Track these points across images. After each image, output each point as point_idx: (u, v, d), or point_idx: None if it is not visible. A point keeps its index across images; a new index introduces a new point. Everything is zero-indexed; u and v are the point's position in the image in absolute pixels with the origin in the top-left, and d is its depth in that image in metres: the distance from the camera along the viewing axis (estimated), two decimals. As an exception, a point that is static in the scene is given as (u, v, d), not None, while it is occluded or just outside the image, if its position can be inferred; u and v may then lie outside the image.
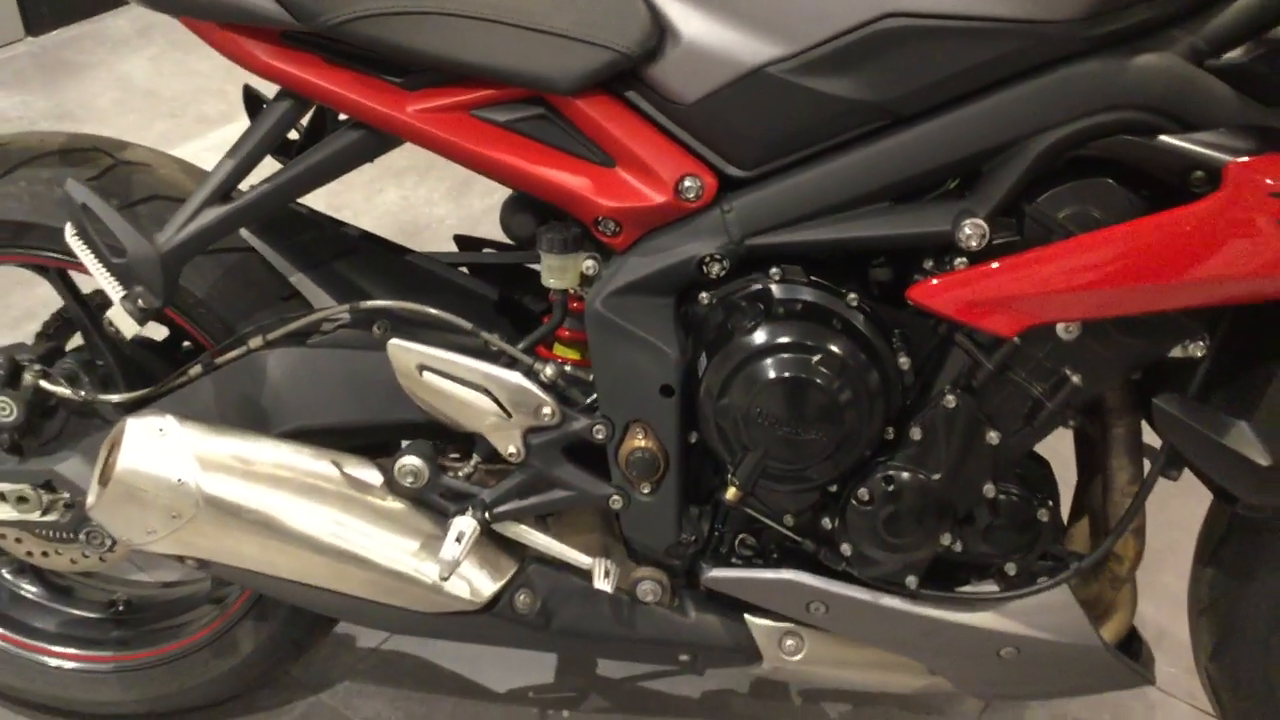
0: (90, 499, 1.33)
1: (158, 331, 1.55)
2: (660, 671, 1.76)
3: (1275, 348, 1.18)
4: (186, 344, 1.56)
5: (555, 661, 1.78)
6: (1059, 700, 1.73)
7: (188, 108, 3.15)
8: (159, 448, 1.30)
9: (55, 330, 1.53)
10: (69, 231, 1.27)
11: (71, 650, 1.62)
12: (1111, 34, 1.12)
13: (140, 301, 1.26)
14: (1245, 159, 1.09)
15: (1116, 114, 1.12)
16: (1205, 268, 1.11)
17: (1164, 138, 1.11)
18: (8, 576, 1.67)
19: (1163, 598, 1.85)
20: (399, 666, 1.77)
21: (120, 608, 1.67)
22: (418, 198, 2.78)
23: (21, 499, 1.44)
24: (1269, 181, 1.08)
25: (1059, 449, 1.41)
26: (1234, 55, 1.14)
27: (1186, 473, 1.31)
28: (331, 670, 1.76)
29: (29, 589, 1.67)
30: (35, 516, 1.45)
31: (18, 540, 1.52)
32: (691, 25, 1.18)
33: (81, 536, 1.46)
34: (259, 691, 1.71)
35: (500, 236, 1.46)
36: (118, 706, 1.63)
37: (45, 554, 1.53)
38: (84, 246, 1.26)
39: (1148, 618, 1.82)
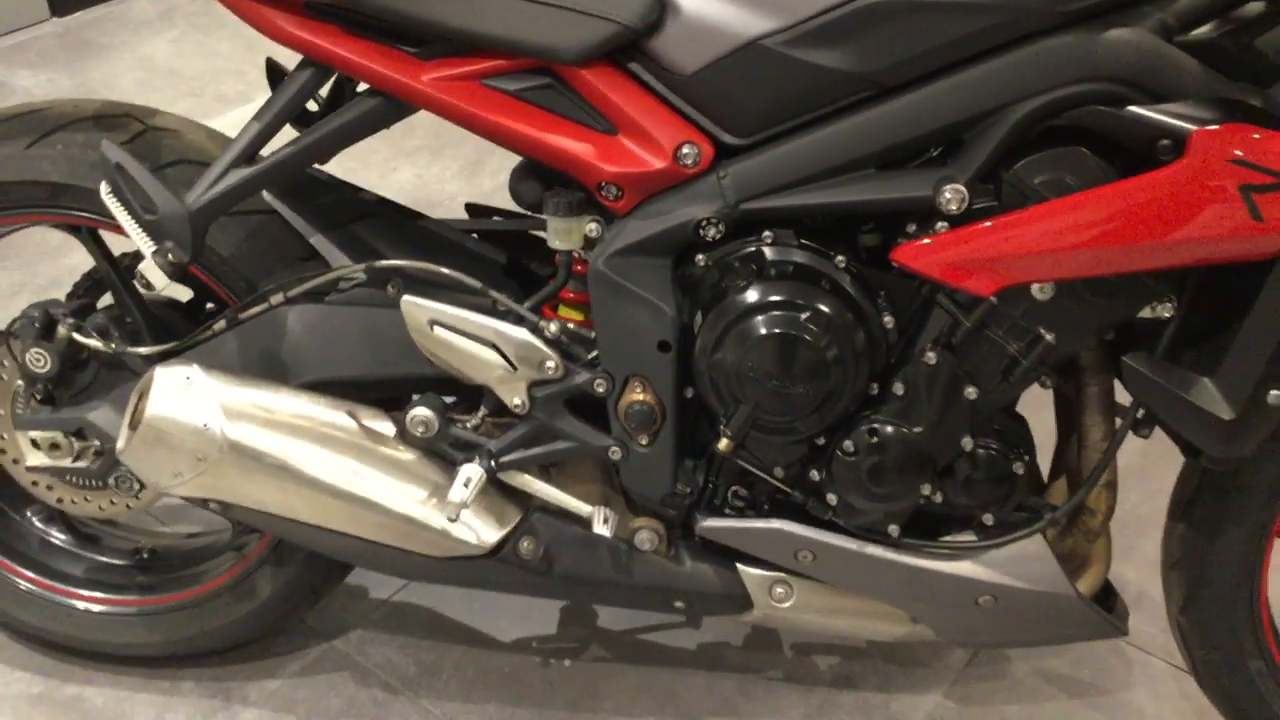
0: (120, 444, 1.41)
1: (182, 294, 1.64)
2: (657, 624, 1.83)
3: (1238, 309, 1.25)
4: (210, 305, 1.64)
5: (557, 614, 1.85)
6: (1039, 656, 1.80)
7: (207, 87, 3.23)
8: (186, 395, 1.38)
9: (86, 290, 1.60)
10: (104, 190, 1.35)
11: (98, 594, 1.70)
12: (1085, 9, 1.18)
13: (170, 256, 1.34)
14: (1209, 128, 1.16)
15: (1088, 85, 1.19)
16: (1170, 230, 1.18)
17: (1133, 108, 1.18)
18: (38, 524, 1.75)
19: (1143, 562, 1.92)
20: (409, 617, 1.85)
21: (145, 555, 1.75)
22: (431, 176, 2.85)
23: (54, 446, 1.52)
24: (1231, 149, 1.15)
25: (1042, 416, 1.48)
26: (1202, 31, 1.21)
27: (1169, 445, 1.38)
28: (345, 619, 1.84)
29: (58, 536, 1.75)
30: (67, 463, 1.53)
31: (49, 487, 1.60)
32: (690, 0, 1.26)
33: (111, 482, 1.53)
34: (275, 638, 1.79)
35: (510, 207, 1.54)
36: (141, 648, 1.71)
37: (75, 501, 1.61)
38: (118, 204, 1.34)
39: (1128, 580, 1.89)
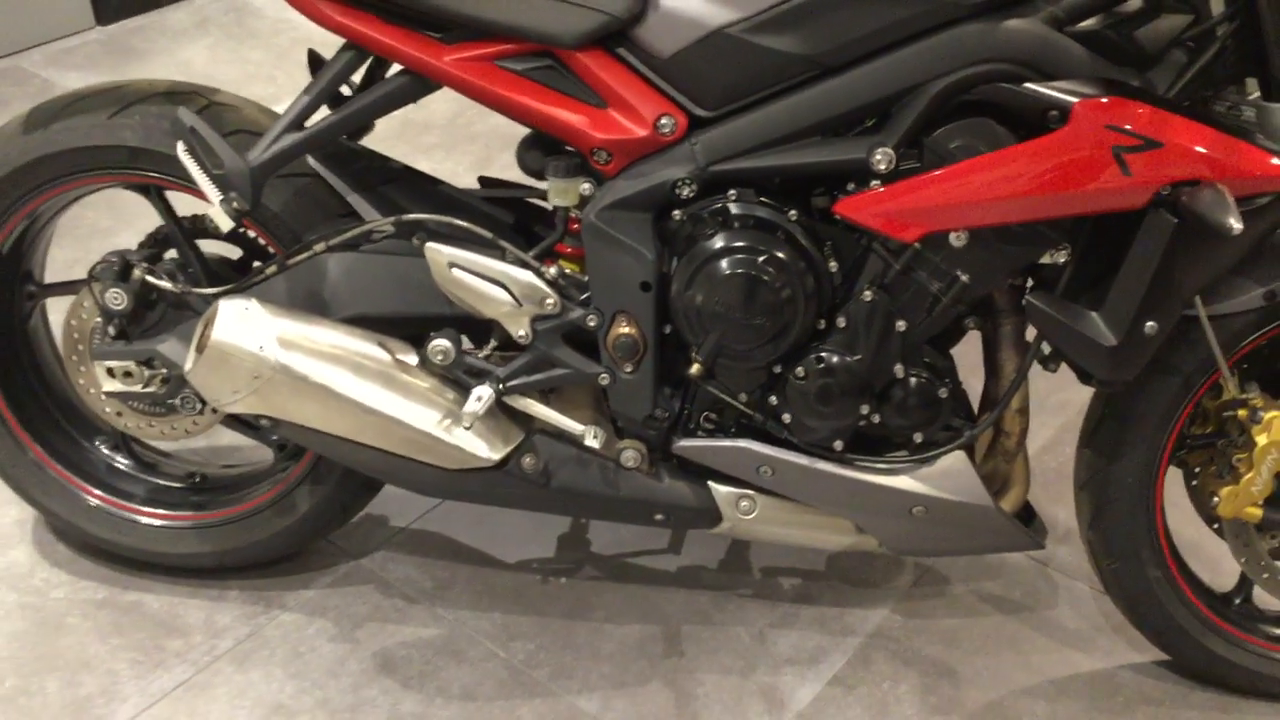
0: (188, 365, 1.67)
1: (233, 253, 1.89)
2: (641, 548, 2.08)
3: (1120, 254, 1.51)
4: (256, 263, 1.90)
5: (554, 540, 2.11)
6: (975, 578, 2.05)
7: (240, 89, 3.48)
8: (245, 323, 1.64)
9: (153, 244, 1.86)
10: (180, 148, 1.62)
11: (158, 510, 1.96)
12: (990, 2, 1.45)
13: (235, 204, 1.60)
14: (1088, 101, 1.42)
15: (992, 66, 1.45)
16: (1058, 185, 1.44)
17: (1028, 85, 1.44)
18: (105, 451, 2.00)
19: (1072, 505, 2.16)
20: (426, 541, 2.10)
21: (197, 479, 2.01)
22: (444, 170, 3.11)
23: (127, 374, 1.78)
24: (1106, 118, 1.41)
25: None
26: (1088, 23, 1.47)
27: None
28: (369, 542, 2.09)
29: (122, 461, 2.00)
30: (138, 389, 1.79)
31: (119, 414, 1.86)
32: (667, -6, 1.52)
33: (176, 402, 1.79)
34: (308, 555, 2.05)
35: (517, 181, 1.80)
36: (195, 559, 1.96)
37: (140, 426, 1.86)
38: (191, 160, 1.61)
39: (1059, 520, 2.14)
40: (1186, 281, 1.51)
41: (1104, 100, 1.42)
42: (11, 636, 1.92)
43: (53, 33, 3.63)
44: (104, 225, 2.86)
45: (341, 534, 2.07)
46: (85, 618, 1.96)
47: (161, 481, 2.00)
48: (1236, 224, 1.37)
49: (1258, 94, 1.50)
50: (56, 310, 1.94)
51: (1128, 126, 1.41)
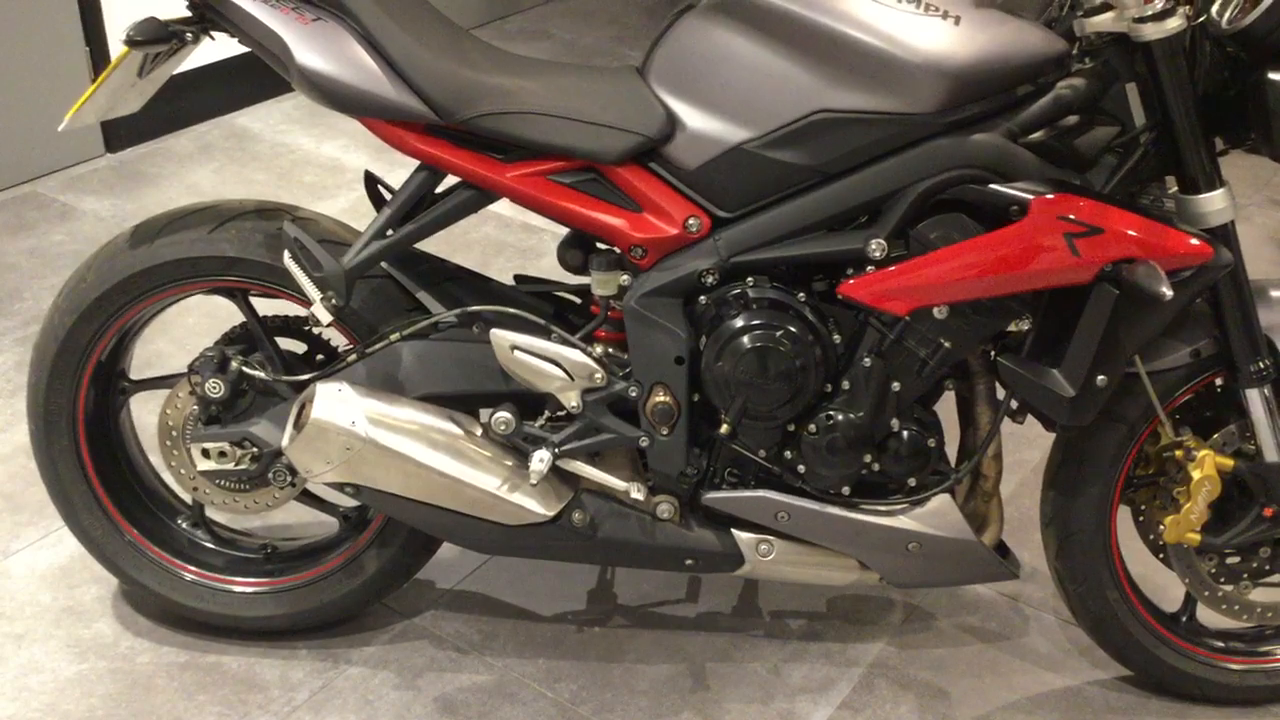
0: (285, 441, 1.93)
1: (298, 347, 2.16)
2: (665, 599, 2.35)
3: (1073, 321, 1.83)
4: (319, 356, 2.16)
5: (585, 595, 2.37)
6: (958, 613, 2.34)
7: (245, 209, 3.78)
8: (340, 402, 1.90)
9: (229, 341, 2.11)
10: (286, 256, 1.90)
11: (240, 578, 2.20)
12: (957, 121, 1.78)
13: (333, 300, 1.88)
14: (1043, 197, 1.75)
15: (962, 171, 1.78)
16: (1020, 266, 1.77)
17: (993, 185, 1.78)
18: (185, 528, 2.24)
19: (1036, 548, 2.45)
20: (470, 600, 2.35)
21: (269, 550, 2.25)
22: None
23: (222, 453, 2.03)
24: (1057, 211, 1.75)
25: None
26: (1037, 135, 1.81)
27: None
28: (419, 603, 2.34)
29: (202, 537, 2.24)
30: (231, 466, 2.04)
31: (206, 492, 2.10)
32: (692, 118, 1.84)
33: (269, 476, 2.04)
34: (366, 617, 2.28)
35: (551, 277, 2.09)
36: (270, 621, 2.20)
37: (226, 502, 2.11)
38: (295, 266, 1.89)
39: (1026, 560, 2.43)
40: (1128, 341, 1.84)
41: (1054, 196, 1.76)
42: (107, 698, 2.13)
43: (66, 160, 3.90)
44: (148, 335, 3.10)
45: (394, 597, 2.32)
46: (171, 679, 2.18)
47: (238, 554, 2.24)
48: (1168, 291, 1.70)
49: (1176, 188, 1.85)
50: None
51: (1074, 217, 1.75)
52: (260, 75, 1.90)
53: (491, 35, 5.18)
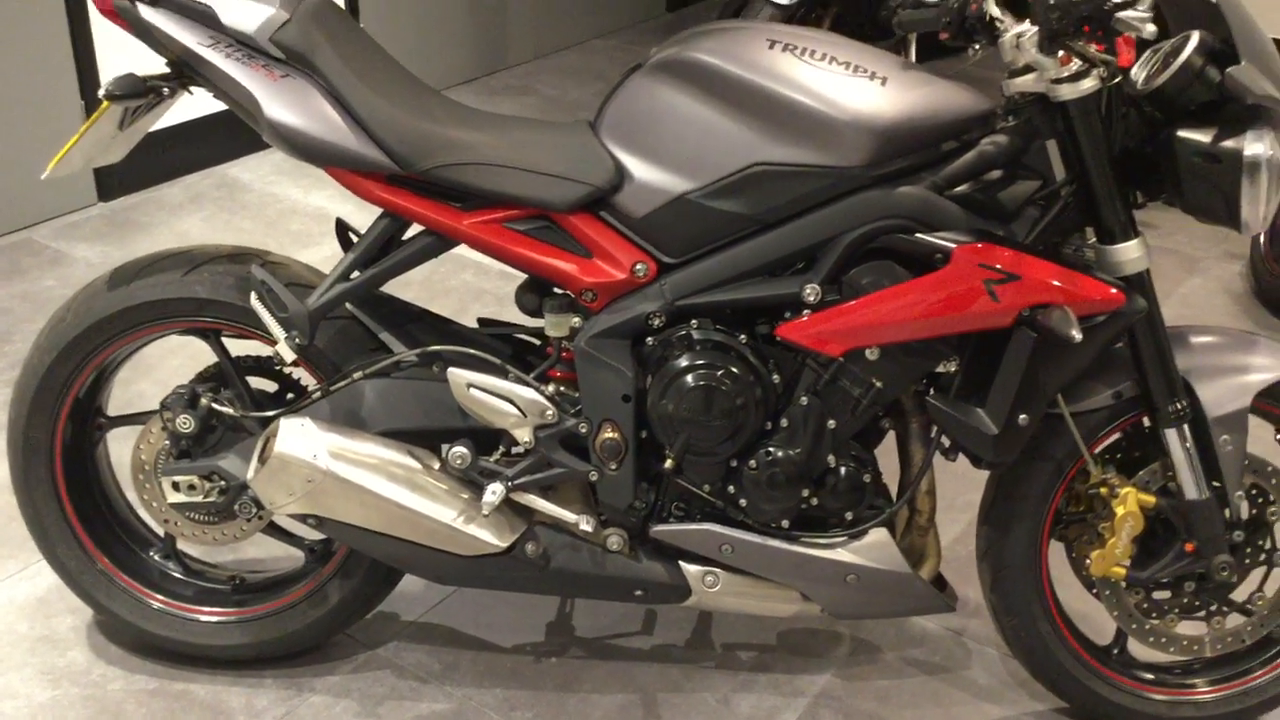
0: (250, 473, 2.02)
1: (271, 386, 2.26)
2: (619, 632, 2.43)
3: (996, 363, 1.93)
4: (290, 395, 2.26)
5: (544, 626, 2.45)
6: (902, 646, 2.42)
7: (232, 257, 3.90)
8: (302, 436, 2.00)
9: (201, 380, 2.22)
10: (253, 297, 2.01)
11: (208, 608, 2.28)
12: (885, 175, 1.89)
13: (297, 340, 1.99)
14: (964, 246, 1.86)
15: (890, 221, 1.89)
16: (944, 310, 1.88)
17: (918, 235, 1.89)
18: (157, 559, 2.33)
19: (978, 585, 2.55)
20: (431, 631, 2.43)
21: (237, 581, 2.33)
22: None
23: (191, 486, 2.12)
24: (978, 259, 1.86)
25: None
26: (961, 189, 1.92)
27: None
28: (382, 634, 2.42)
29: (173, 568, 2.33)
30: (200, 499, 2.13)
31: (176, 524, 2.20)
32: (639, 169, 1.95)
33: (235, 509, 2.13)
34: (330, 647, 2.37)
35: (506, 319, 2.20)
36: (238, 650, 2.28)
37: (195, 533, 2.20)
38: (262, 307, 2.00)
39: (970, 599, 2.51)
40: (1048, 382, 1.94)
41: (977, 246, 1.87)
42: (78, 722, 2.22)
43: (60, 208, 4.02)
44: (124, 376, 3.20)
45: (358, 628, 2.40)
46: (140, 705, 2.26)
47: (208, 585, 2.33)
48: (1078, 334, 1.81)
49: (1095, 239, 1.96)
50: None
51: (995, 265, 1.85)
52: (251, 128, 2.01)
53: (478, 90, 5.33)
